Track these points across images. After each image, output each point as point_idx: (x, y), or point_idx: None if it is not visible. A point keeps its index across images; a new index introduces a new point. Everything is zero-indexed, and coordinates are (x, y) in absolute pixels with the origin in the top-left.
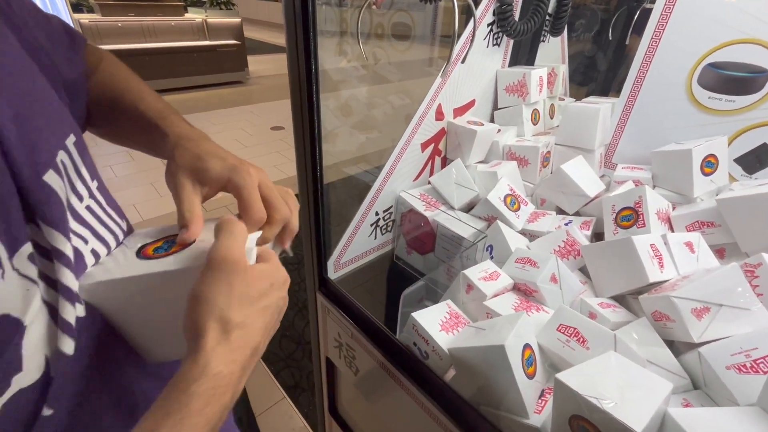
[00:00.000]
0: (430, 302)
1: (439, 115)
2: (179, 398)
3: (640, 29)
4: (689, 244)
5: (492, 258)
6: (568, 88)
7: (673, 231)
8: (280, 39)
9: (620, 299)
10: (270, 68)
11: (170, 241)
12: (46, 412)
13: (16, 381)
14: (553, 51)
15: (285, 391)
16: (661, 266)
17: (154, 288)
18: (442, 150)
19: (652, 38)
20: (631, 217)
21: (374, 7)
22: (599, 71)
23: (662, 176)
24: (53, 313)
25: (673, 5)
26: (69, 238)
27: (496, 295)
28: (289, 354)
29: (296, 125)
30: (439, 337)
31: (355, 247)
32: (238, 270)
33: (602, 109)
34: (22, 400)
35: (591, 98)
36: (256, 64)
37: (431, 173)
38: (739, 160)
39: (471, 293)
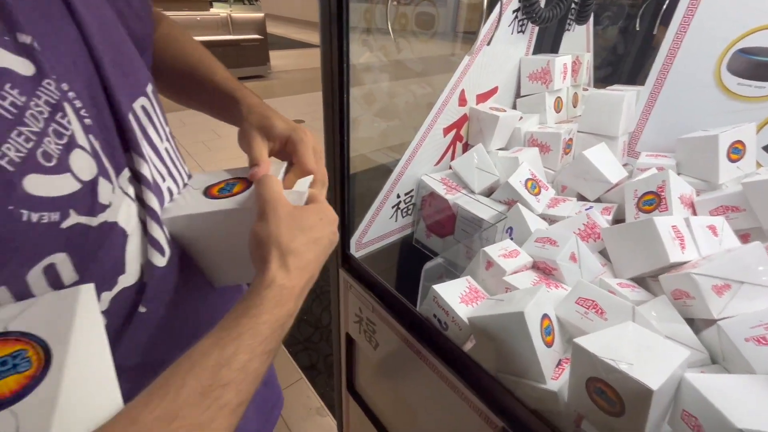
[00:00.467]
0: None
1: (462, 101)
2: (254, 301)
3: (668, 19)
4: (712, 228)
5: (512, 239)
6: (592, 78)
7: (696, 216)
8: (300, 34)
9: (640, 282)
10: (290, 63)
11: (231, 183)
12: (142, 309)
13: (121, 281)
14: (578, 39)
15: (303, 372)
16: (683, 247)
17: (221, 222)
18: (464, 136)
19: (680, 24)
20: (653, 201)
21: (395, 3)
22: (625, 61)
23: (687, 163)
24: (145, 230)
25: None
26: (152, 170)
27: (515, 272)
28: (307, 337)
29: (326, 114)
30: (459, 308)
31: (377, 228)
32: (284, 208)
33: (627, 96)
34: (124, 297)
35: (616, 86)
36: (277, 58)
37: (452, 158)
38: None
39: (491, 270)
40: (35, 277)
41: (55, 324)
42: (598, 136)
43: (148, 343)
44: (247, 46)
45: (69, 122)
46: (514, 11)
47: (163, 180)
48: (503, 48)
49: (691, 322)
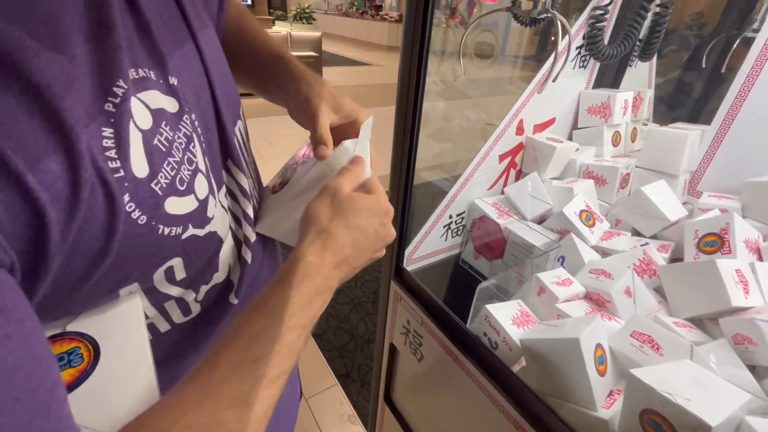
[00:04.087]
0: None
1: (520, 130)
2: (284, 272)
3: (739, 58)
4: None
5: (563, 268)
6: (652, 114)
7: (762, 261)
8: (352, 53)
9: (697, 323)
10: (341, 79)
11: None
12: (234, 300)
13: (215, 277)
14: (641, 75)
15: (337, 379)
16: (746, 292)
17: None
18: (518, 163)
19: (753, 66)
20: (715, 243)
21: (444, 25)
22: (688, 99)
23: (754, 207)
24: (235, 236)
25: None
26: (247, 182)
27: (567, 301)
28: (343, 345)
29: (397, 130)
30: (510, 329)
31: (427, 245)
32: (338, 193)
33: (691, 135)
34: (216, 290)
35: (679, 124)
36: (329, 74)
37: (505, 184)
38: None
39: (543, 296)
40: (159, 275)
41: (105, 325)
42: (657, 172)
43: None
44: (303, 63)
45: (196, 151)
46: (577, 48)
47: (253, 188)
48: (564, 82)
49: (752, 369)
